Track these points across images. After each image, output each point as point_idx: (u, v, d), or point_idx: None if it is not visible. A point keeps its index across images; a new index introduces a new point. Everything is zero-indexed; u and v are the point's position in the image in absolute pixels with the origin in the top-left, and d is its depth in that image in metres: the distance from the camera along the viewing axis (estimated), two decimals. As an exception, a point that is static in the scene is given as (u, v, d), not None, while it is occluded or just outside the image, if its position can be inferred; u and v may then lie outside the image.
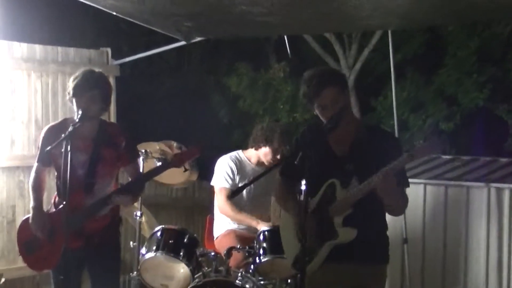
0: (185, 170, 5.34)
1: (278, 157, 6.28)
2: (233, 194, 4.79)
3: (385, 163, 3.99)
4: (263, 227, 5.83)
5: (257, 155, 6.42)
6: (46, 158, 4.89)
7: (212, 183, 6.50)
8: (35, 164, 5.06)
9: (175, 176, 5.36)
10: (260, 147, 6.35)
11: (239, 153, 6.56)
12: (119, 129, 5.15)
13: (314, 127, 4.41)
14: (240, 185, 6.28)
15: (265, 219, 6.34)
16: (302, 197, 3.85)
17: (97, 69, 5.04)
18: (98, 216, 4.94)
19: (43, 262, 4.99)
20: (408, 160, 3.96)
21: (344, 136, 4.30)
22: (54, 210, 4.98)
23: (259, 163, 6.45)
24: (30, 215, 4.96)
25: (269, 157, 6.32)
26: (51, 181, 5.35)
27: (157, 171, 5.12)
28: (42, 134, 5.02)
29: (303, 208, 3.90)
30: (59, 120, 5.25)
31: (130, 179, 5.15)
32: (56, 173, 4.94)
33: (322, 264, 4.29)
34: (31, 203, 4.99)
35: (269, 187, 6.40)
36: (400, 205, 4.29)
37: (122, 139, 5.04)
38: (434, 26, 15.42)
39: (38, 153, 5.00)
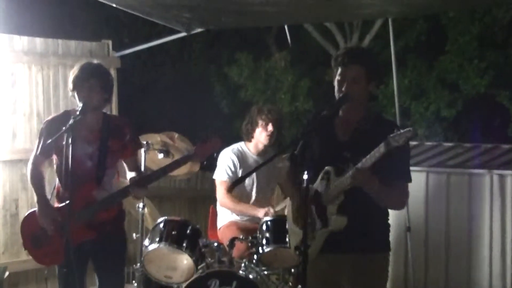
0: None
1: (271, 128, 6.29)
2: (233, 185, 4.79)
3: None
4: (265, 217, 5.85)
5: (256, 144, 6.45)
6: (47, 150, 4.87)
7: (214, 177, 6.52)
8: (33, 156, 5.01)
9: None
10: (252, 135, 6.40)
11: (241, 145, 6.57)
12: (124, 121, 5.17)
13: (321, 114, 4.31)
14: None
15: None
16: (303, 184, 3.87)
17: (95, 61, 5.05)
18: (107, 208, 4.96)
19: (52, 256, 4.94)
20: (384, 149, 3.80)
21: (349, 122, 4.27)
22: (58, 202, 4.97)
23: (260, 152, 6.46)
24: (37, 208, 4.93)
25: (264, 133, 6.34)
26: (50, 173, 5.33)
27: (177, 163, 5.09)
28: (43, 126, 5.01)
29: (302, 195, 3.94)
30: (61, 112, 5.25)
31: (129, 172, 5.15)
32: (59, 165, 4.91)
33: (320, 252, 4.25)
34: (36, 197, 4.96)
35: (272, 176, 6.42)
36: (390, 201, 4.22)
37: (127, 130, 5.06)
38: (434, 13, 15.34)
39: (39, 145, 4.96)
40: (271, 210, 6.14)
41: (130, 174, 5.14)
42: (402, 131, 3.74)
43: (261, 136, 6.38)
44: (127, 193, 4.93)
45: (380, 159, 3.86)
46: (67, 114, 4.93)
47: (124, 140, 5.04)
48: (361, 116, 4.28)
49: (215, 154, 5.22)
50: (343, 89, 4.17)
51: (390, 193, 4.12)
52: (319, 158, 4.28)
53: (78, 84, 4.83)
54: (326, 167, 4.20)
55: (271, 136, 6.35)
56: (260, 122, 6.34)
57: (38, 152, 4.98)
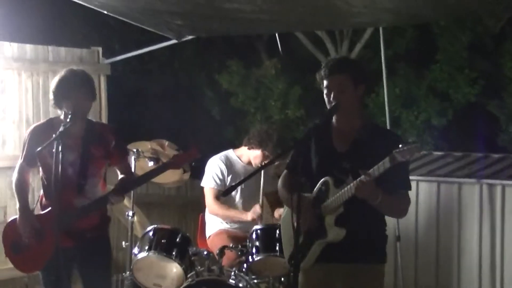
0: (184, 171, 5.36)
1: (266, 162, 6.24)
2: (224, 193, 4.78)
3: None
4: (255, 226, 5.83)
5: (248, 154, 6.41)
6: (33, 159, 4.88)
7: (202, 184, 6.50)
8: (19, 164, 5.03)
9: (167, 175, 5.33)
10: (253, 148, 6.33)
11: (229, 153, 6.55)
12: (107, 128, 5.17)
13: (320, 124, 4.35)
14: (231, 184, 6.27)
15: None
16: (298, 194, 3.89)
17: (75, 68, 5.04)
18: (87, 216, 4.93)
19: (31, 263, 4.98)
20: (389, 164, 3.81)
21: (346, 132, 4.28)
22: (40, 210, 4.96)
23: (250, 162, 6.43)
24: (18, 216, 4.94)
25: (258, 161, 6.31)
26: (35, 181, 5.31)
27: (155, 172, 5.09)
28: (28, 134, 5.01)
29: (296, 205, 3.92)
30: (44, 120, 5.23)
31: (121, 179, 5.14)
32: (43, 173, 4.93)
33: (315, 263, 4.26)
34: (17, 204, 4.97)
35: (260, 185, 6.39)
36: (393, 210, 4.25)
37: (111, 137, 5.04)
38: (424, 23, 15.36)
39: (24, 153, 4.98)
40: (257, 209, 6.11)
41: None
42: (408, 146, 3.74)
43: (255, 159, 6.34)
44: (106, 201, 4.92)
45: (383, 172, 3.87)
46: (51, 122, 4.95)
47: (108, 147, 5.01)
48: (358, 126, 4.28)
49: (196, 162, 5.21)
50: (331, 99, 4.18)
51: (392, 202, 4.12)
52: (316, 168, 4.31)
53: (68, 93, 4.80)
54: (325, 177, 4.22)
55: (260, 165, 6.30)
56: (267, 153, 6.27)
57: (22, 160, 4.99)
